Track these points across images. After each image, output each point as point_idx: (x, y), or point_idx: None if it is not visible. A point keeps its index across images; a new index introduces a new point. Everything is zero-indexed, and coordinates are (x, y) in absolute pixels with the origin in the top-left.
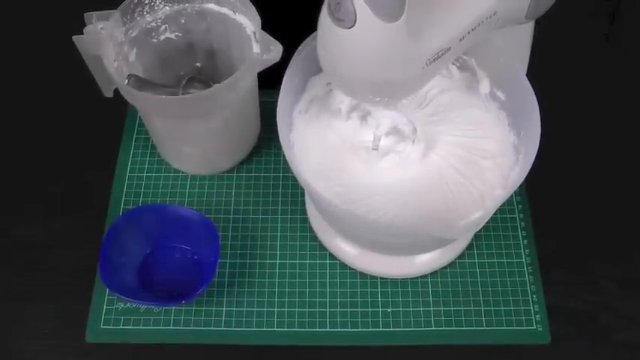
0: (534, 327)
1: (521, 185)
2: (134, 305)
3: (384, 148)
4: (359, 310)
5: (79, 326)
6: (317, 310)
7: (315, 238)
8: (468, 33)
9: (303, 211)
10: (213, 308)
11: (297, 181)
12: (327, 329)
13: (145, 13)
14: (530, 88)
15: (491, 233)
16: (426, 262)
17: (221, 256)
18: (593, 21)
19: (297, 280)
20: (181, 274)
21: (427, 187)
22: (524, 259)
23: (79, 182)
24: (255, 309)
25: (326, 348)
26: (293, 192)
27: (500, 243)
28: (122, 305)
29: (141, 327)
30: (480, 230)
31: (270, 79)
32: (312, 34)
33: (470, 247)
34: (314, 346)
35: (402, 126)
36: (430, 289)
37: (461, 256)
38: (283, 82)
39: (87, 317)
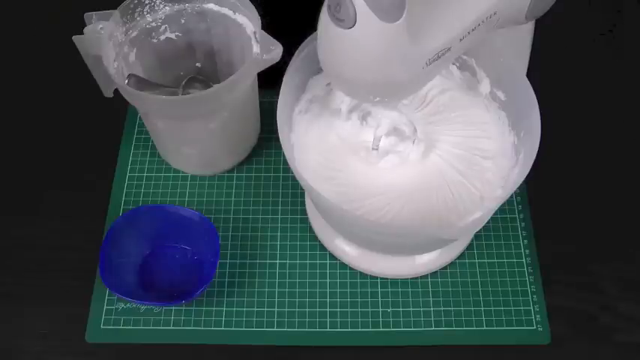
0: (534, 327)
1: (521, 185)
2: (134, 305)
3: (384, 148)
4: (359, 310)
5: (79, 326)
6: (317, 310)
7: (315, 238)
8: (468, 33)
9: (303, 211)
10: (213, 308)
11: (297, 181)
12: (327, 329)
13: (145, 13)
14: (531, 88)
15: (492, 233)
16: (426, 262)
17: (221, 256)
18: (593, 21)
19: (297, 280)
20: (181, 274)
21: (427, 187)
22: (524, 259)
23: (79, 182)
24: (255, 309)
25: (326, 348)
26: (293, 192)
27: (500, 243)
28: (122, 305)
29: (141, 327)
30: (479, 230)
31: (270, 79)
32: (312, 34)
33: (470, 247)
34: (314, 346)
35: (402, 126)
36: (430, 289)
37: (461, 256)
38: (283, 82)
39: (87, 317)
